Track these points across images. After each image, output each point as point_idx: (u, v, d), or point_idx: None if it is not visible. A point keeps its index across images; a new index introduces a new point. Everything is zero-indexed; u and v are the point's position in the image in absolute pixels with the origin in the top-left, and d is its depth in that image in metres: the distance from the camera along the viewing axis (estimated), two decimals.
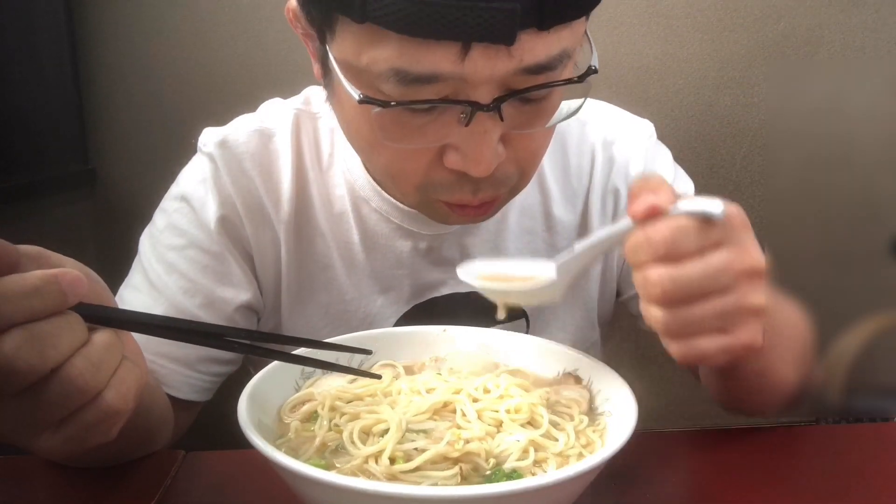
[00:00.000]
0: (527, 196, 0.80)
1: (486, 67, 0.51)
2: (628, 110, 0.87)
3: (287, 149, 0.77)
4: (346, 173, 0.78)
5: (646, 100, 1.56)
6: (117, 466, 0.65)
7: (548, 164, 0.81)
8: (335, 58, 0.56)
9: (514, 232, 0.81)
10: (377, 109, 0.54)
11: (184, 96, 1.58)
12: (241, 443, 0.49)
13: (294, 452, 0.53)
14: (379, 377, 0.60)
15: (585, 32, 0.59)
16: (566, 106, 0.61)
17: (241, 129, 0.78)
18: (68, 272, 0.40)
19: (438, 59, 0.50)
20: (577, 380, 0.63)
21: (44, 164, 1.52)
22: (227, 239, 0.75)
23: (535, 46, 0.52)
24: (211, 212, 0.74)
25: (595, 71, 0.58)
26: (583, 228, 0.83)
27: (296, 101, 0.81)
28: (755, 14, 1.55)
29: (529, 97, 0.56)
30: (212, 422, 0.75)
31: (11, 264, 0.39)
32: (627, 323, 0.90)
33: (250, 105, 0.82)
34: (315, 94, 0.81)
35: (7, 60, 1.40)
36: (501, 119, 0.55)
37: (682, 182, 0.84)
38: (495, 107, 0.54)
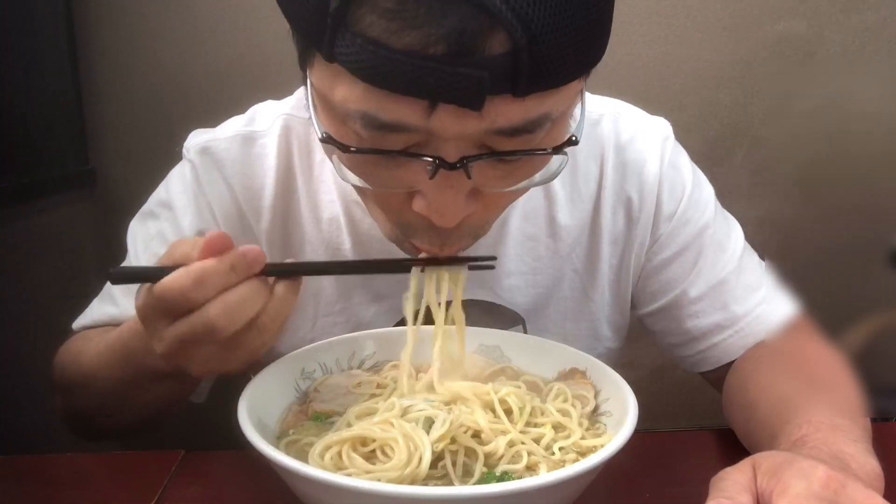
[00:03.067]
0: (530, 200, 0.78)
1: (453, 125, 0.48)
2: None
3: (272, 154, 0.76)
4: (336, 177, 0.75)
5: (646, 100, 1.55)
6: (117, 466, 0.65)
7: None
8: (313, 85, 0.54)
9: (516, 238, 0.79)
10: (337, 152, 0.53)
11: (183, 96, 1.58)
12: (241, 443, 0.49)
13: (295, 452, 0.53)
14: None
15: (582, 91, 0.55)
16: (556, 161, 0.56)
17: (224, 134, 0.77)
18: (252, 249, 0.51)
19: (404, 111, 0.47)
20: (583, 374, 0.63)
21: (44, 164, 1.51)
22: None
23: (510, 110, 0.48)
24: (189, 224, 0.75)
25: (576, 142, 0.54)
26: (592, 236, 0.80)
27: (286, 105, 0.79)
28: (755, 14, 1.55)
29: (502, 158, 0.52)
30: (212, 422, 0.75)
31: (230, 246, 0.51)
32: (629, 323, 0.89)
33: (249, 105, 0.82)
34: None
35: (7, 60, 1.40)
36: (469, 177, 0.51)
37: (701, 187, 0.80)
38: (462, 165, 0.50)
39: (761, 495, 0.44)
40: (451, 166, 0.50)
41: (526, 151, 0.52)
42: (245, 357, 0.54)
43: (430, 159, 0.50)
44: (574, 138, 0.54)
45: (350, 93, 0.49)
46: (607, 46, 0.51)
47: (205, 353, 0.52)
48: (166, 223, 0.76)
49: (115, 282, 0.52)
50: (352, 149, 0.52)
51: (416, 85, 0.45)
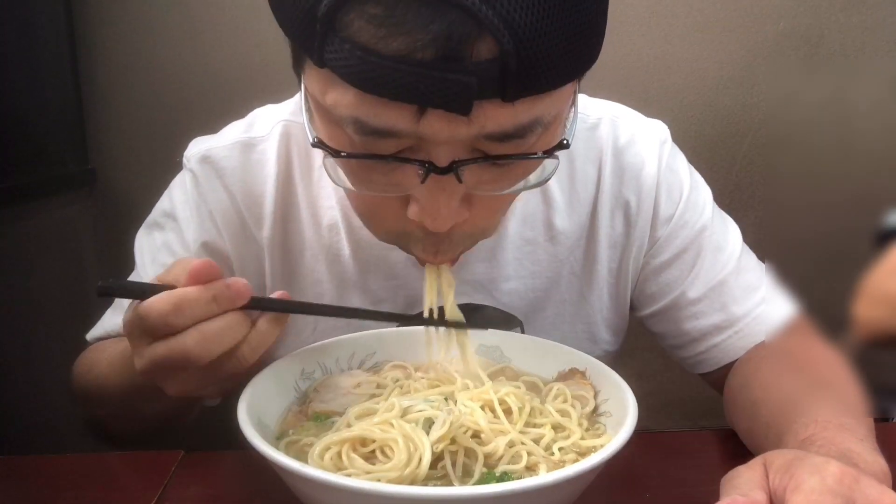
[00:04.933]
0: (528, 204, 0.78)
1: (443, 130, 0.48)
2: None
3: (272, 160, 0.76)
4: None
5: (646, 100, 1.55)
6: (117, 466, 0.65)
7: None
8: (307, 89, 0.54)
9: (514, 242, 0.79)
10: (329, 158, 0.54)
11: (184, 96, 1.58)
12: (241, 443, 0.49)
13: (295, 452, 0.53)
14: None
15: (575, 93, 0.55)
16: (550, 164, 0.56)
17: (224, 141, 0.77)
18: (237, 281, 0.53)
19: (394, 116, 0.47)
20: (582, 375, 0.63)
21: (44, 164, 1.51)
22: None
23: (500, 115, 0.48)
24: (193, 235, 0.76)
25: (567, 146, 0.54)
26: (590, 240, 0.80)
27: (285, 110, 0.79)
28: (755, 14, 1.55)
29: (494, 162, 0.52)
30: (212, 422, 0.75)
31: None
32: (629, 324, 0.89)
33: (249, 105, 0.82)
34: None
35: (7, 60, 1.39)
36: (459, 181, 0.51)
37: (699, 190, 0.80)
38: (452, 170, 0.50)
39: (774, 493, 0.43)
40: (442, 170, 0.50)
41: (517, 156, 0.52)
42: (223, 383, 0.56)
43: (420, 164, 0.50)
44: (566, 142, 0.54)
45: (341, 98, 0.49)
46: (602, 48, 0.51)
47: (181, 377, 0.54)
48: (171, 233, 0.77)
49: (101, 295, 0.54)
50: (342, 153, 0.52)
51: (404, 90, 0.45)
